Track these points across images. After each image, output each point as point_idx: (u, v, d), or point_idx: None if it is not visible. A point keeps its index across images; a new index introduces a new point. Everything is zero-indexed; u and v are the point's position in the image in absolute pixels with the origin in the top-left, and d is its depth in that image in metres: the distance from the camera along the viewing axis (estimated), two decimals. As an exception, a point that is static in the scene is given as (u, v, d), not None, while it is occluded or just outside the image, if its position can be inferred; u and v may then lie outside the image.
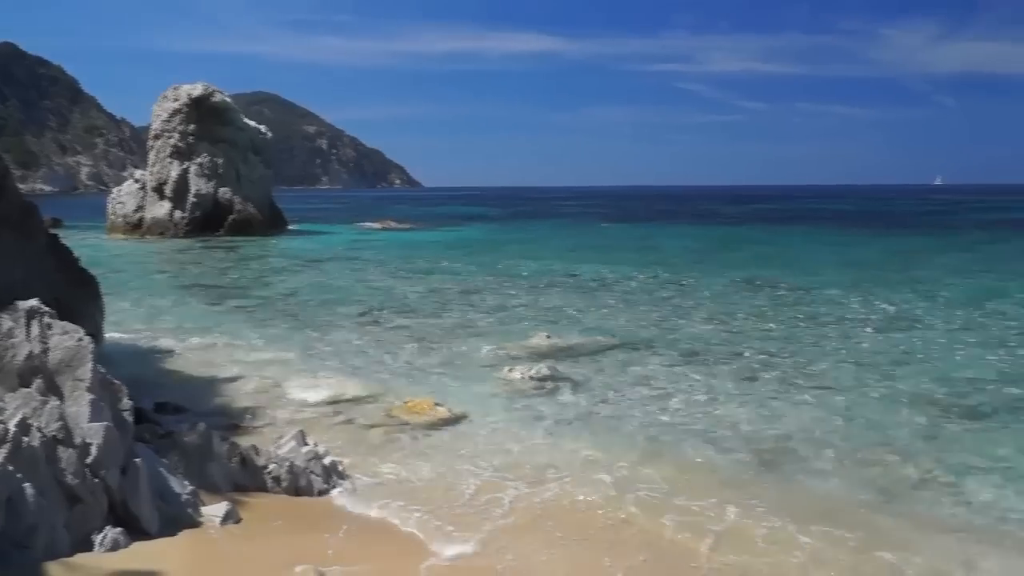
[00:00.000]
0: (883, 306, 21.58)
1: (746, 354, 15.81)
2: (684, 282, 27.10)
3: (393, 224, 64.09)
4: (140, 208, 52.62)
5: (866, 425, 11.32)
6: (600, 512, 8.25)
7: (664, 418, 11.64)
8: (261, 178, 55.17)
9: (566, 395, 12.88)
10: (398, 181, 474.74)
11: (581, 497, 8.65)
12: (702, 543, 7.51)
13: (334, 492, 8.68)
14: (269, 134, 58.37)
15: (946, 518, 8.29)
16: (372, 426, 11.22)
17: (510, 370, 13.87)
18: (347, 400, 12.44)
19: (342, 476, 8.98)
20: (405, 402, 11.94)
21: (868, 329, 18.46)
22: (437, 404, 11.66)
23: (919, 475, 9.44)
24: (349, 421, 11.49)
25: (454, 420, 11.35)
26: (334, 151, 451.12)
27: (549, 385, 13.32)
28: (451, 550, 7.24)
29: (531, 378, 13.51)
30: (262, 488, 8.36)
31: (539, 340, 16.51)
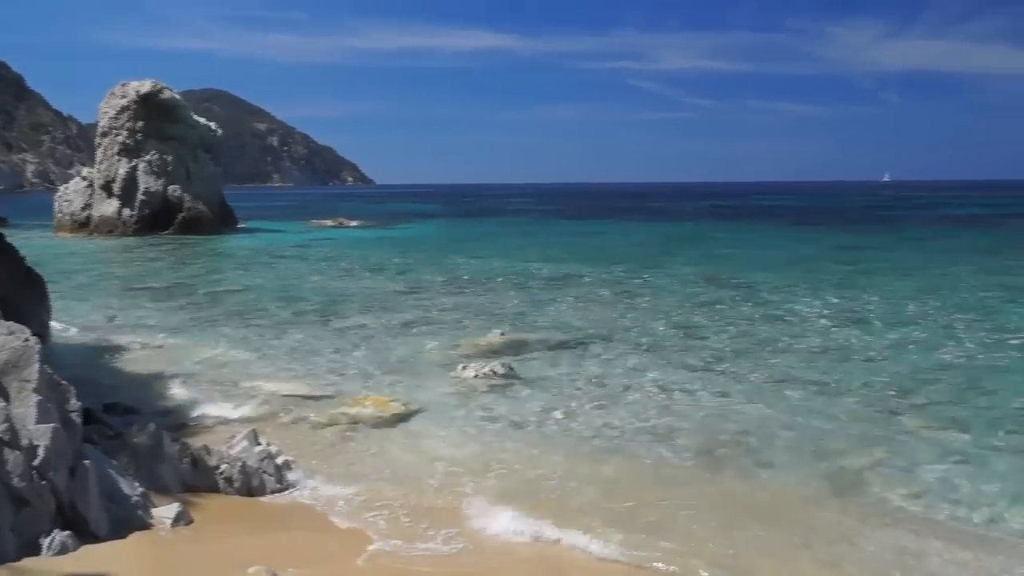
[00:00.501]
0: (833, 301, 21.92)
1: (699, 350, 15.98)
2: (637, 279, 27.29)
3: (345, 222, 63.77)
4: (88, 206, 51.77)
5: (817, 419, 11.49)
6: (554, 508, 8.30)
7: (617, 413, 11.72)
8: (211, 176, 54.54)
9: (520, 392, 12.91)
10: (350, 178, 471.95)
11: (535, 494, 8.69)
12: (653, 536, 7.58)
13: (287, 492, 8.63)
14: (219, 131, 57.71)
15: (893, 510, 8.44)
16: (326, 425, 11.16)
17: (464, 368, 13.88)
18: (300, 399, 12.37)
19: (295, 475, 8.93)
20: (358, 399, 11.91)
21: (819, 324, 18.75)
22: (391, 401, 11.65)
23: (868, 467, 9.60)
24: (302, 420, 11.42)
25: (408, 418, 11.34)
26: (285, 148, 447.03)
27: (503, 382, 13.35)
28: (405, 548, 7.24)
29: (485, 375, 13.52)
30: (214, 489, 8.30)
31: (493, 337, 16.54)
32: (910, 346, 16.24)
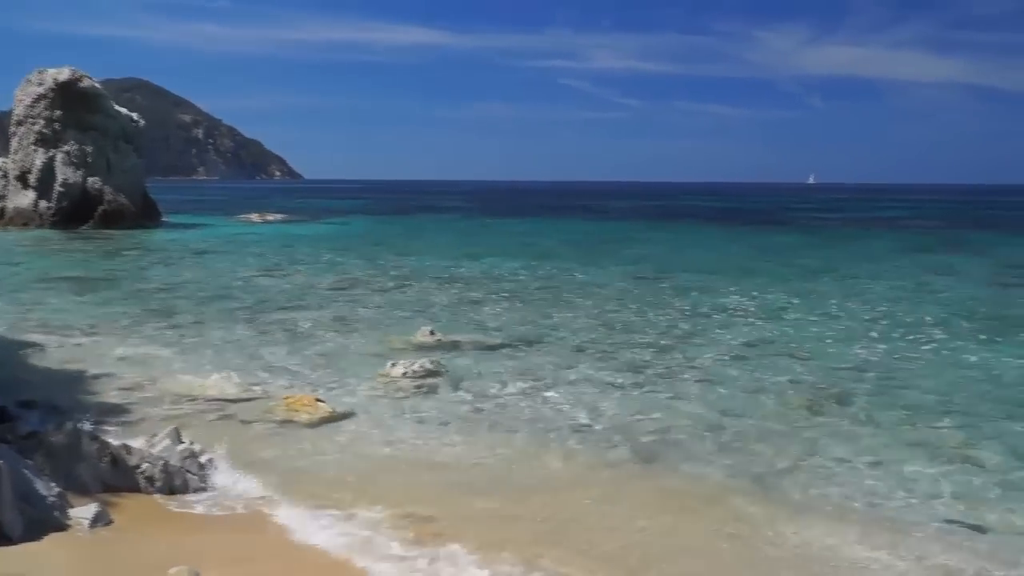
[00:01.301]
0: (758, 299, 22.36)
1: (628, 347, 16.13)
2: (567, 276, 27.46)
3: (273, 216, 62.84)
4: (2, 197, 50.11)
5: (742, 414, 11.72)
6: (479, 507, 8.28)
7: (547, 412, 11.77)
8: (133, 168, 53.22)
9: (449, 390, 12.88)
10: (278, 173, 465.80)
11: (462, 493, 8.67)
12: (580, 533, 7.62)
13: (211, 491, 8.46)
14: (142, 122, 56.35)
15: (815, 502, 8.64)
16: (251, 423, 11.00)
17: (393, 365, 13.77)
18: (225, 397, 12.14)
19: (219, 474, 8.76)
20: (284, 398, 11.74)
21: (744, 322, 19.09)
22: (318, 400, 11.50)
23: (790, 461, 9.82)
24: (227, 418, 11.23)
25: (335, 416, 11.20)
26: (211, 141, 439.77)
27: (432, 381, 13.30)
28: (332, 546, 7.16)
29: (414, 373, 13.44)
30: (135, 488, 8.08)
31: (422, 335, 16.44)
32: (831, 343, 16.65)
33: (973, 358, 15.39)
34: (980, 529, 7.95)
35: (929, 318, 19.53)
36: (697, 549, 7.42)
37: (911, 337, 17.20)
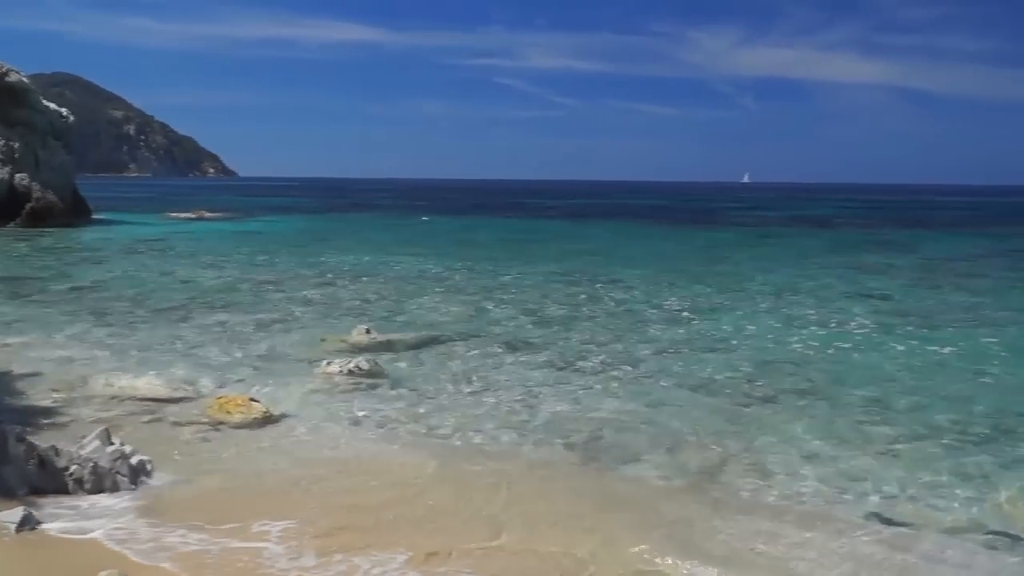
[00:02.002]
0: (693, 296, 22.72)
1: (563, 345, 16.29)
2: (503, 275, 27.56)
3: (207, 214, 61.86)
4: (-77, 194, 48.58)
5: (676, 412, 11.91)
6: (408, 507, 8.32)
7: (481, 411, 11.82)
8: (62, 164, 51.98)
9: (385, 389, 12.88)
10: (212, 170, 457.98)
11: (395, 493, 8.70)
12: (506, 532, 7.70)
13: (141, 493, 8.37)
14: (71, 118, 55.10)
15: (748, 497, 8.83)
16: (184, 424, 10.87)
17: (328, 364, 13.72)
18: (157, 398, 11.97)
19: (150, 476, 8.67)
20: (218, 399, 11.62)
21: (680, 319, 19.39)
22: (252, 400, 11.42)
23: (723, 458, 10.00)
24: (159, 419, 11.08)
25: (269, 417, 11.11)
26: (143, 137, 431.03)
27: (368, 380, 13.27)
28: (264, 551, 7.15)
29: (350, 372, 13.41)
30: (63, 491, 7.97)
31: (358, 334, 16.38)
32: (763, 339, 17.03)
33: (901, 349, 15.97)
34: (908, 524, 8.16)
35: (859, 313, 20.08)
36: (627, 545, 7.54)
37: (841, 332, 17.69)
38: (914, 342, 16.73)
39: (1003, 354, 15.63)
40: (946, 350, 15.95)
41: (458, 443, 10.48)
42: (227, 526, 7.52)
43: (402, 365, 14.44)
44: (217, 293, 22.84)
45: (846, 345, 16.45)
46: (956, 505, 8.62)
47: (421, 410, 11.82)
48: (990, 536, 7.87)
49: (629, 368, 14.51)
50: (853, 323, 18.85)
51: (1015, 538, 7.82)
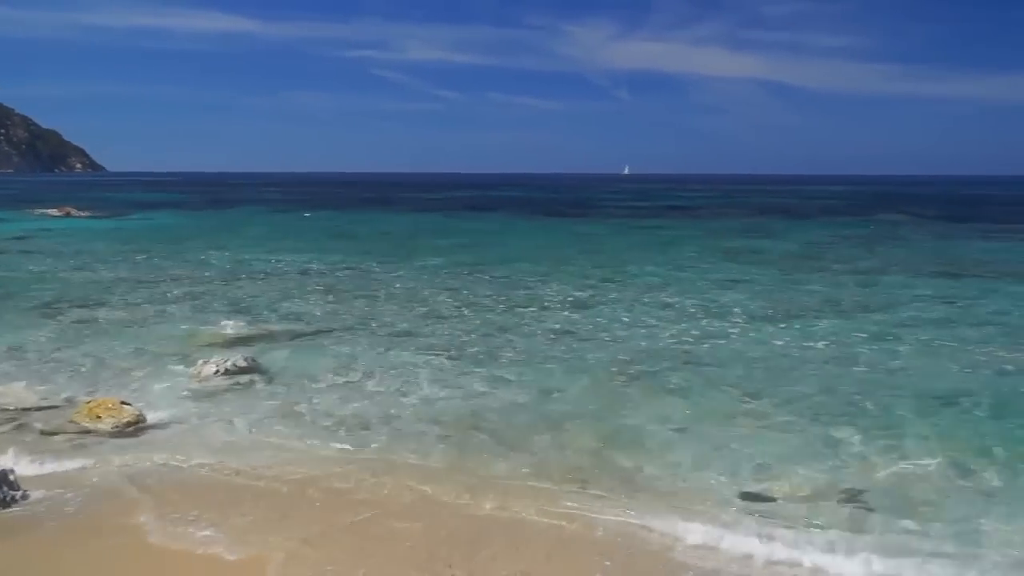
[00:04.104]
0: (571, 287, 23.05)
1: (442, 336, 16.38)
2: (384, 269, 27.43)
3: (74, 211, 59.25)
4: None
5: (557, 398, 12.22)
6: (291, 503, 8.28)
7: (362, 405, 11.82)
8: (-87, 160, 49.14)
9: (262, 387, 12.73)
10: (79, 165, 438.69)
11: (277, 489, 8.64)
12: (384, 523, 7.80)
13: (9, 505, 8.06)
14: (-78, 111, 52.10)
15: (627, 477, 9.17)
16: (52, 432, 10.50)
17: (204, 363, 13.43)
18: (22, 406, 11.54)
19: (15, 488, 8.33)
20: (87, 403, 11.24)
21: (558, 308, 19.70)
22: (123, 403, 11.08)
23: (601, 441, 10.32)
24: (23, 427, 10.70)
25: (142, 419, 10.87)
26: (2, 131, 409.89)
27: (245, 378, 13.09)
28: (144, 554, 7.01)
29: (226, 371, 13.17)
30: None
31: (235, 331, 16.11)
32: (639, 327, 17.44)
33: (769, 333, 16.70)
34: (774, 491, 8.75)
35: (730, 300, 20.78)
36: (505, 532, 7.69)
37: (713, 319, 18.26)
38: (781, 327, 17.45)
39: (865, 337, 16.43)
40: (811, 334, 16.72)
41: (338, 438, 10.45)
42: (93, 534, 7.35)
43: (279, 361, 14.26)
44: (86, 292, 21.99)
45: (718, 332, 16.99)
46: (816, 473, 9.25)
47: (299, 405, 11.75)
48: (847, 499, 8.55)
49: (511, 357, 14.71)
50: (724, 310, 19.49)
51: (869, 501, 8.50)
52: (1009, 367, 13.90)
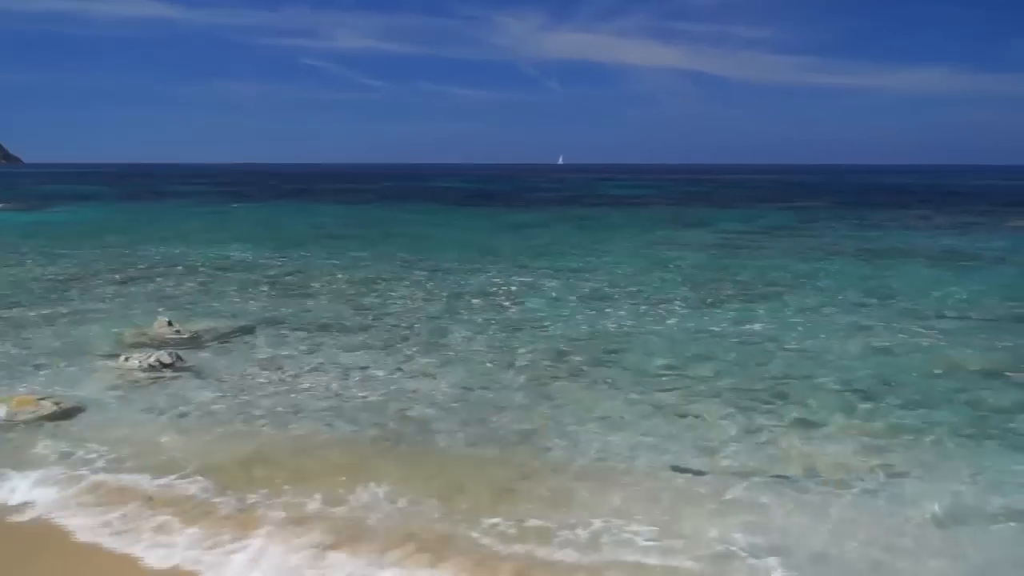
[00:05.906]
0: (504, 278, 23.09)
1: (375, 330, 16.33)
2: (315, 261, 27.19)
3: (-10, 205, 57.59)
4: None
5: (489, 388, 12.29)
6: (220, 500, 8.23)
7: (292, 398, 11.75)
8: None
9: (190, 382, 12.55)
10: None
11: (201, 486, 8.57)
12: (326, 513, 7.83)
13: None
14: None
15: (558, 463, 9.31)
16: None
17: (127, 359, 13.21)
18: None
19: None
20: (5, 399, 10.98)
21: (490, 299, 19.76)
22: (41, 400, 10.85)
23: (532, 427, 10.48)
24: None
25: (64, 416, 10.67)
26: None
27: (171, 373, 12.90)
28: (68, 554, 6.92)
29: (151, 366, 12.97)
30: None
31: (160, 327, 15.81)
32: (576, 315, 17.66)
33: (701, 321, 17.01)
34: (700, 472, 9.03)
35: (660, 289, 21.14)
36: (444, 518, 7.76)
37: (644, 308, 18.48)
38: (713, 314, 17.79)
39: (795, 322, 16.90)
40: (738, 320, 17.09)
41: (268, 432, 10.39)
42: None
43: (207, 356, 14.09)
44: (5, 288, 21.39)
45: (648, 320, 17.22)
46: (742, 455, 9.55)
47: (228, 401, 11.61)
48: (771, 478, 8.85)
49: (443, 348, 14.75)
50: (655, 298, 19.77)
51: (791, 479, 8.85)
52: (917, 340, 14.43)
